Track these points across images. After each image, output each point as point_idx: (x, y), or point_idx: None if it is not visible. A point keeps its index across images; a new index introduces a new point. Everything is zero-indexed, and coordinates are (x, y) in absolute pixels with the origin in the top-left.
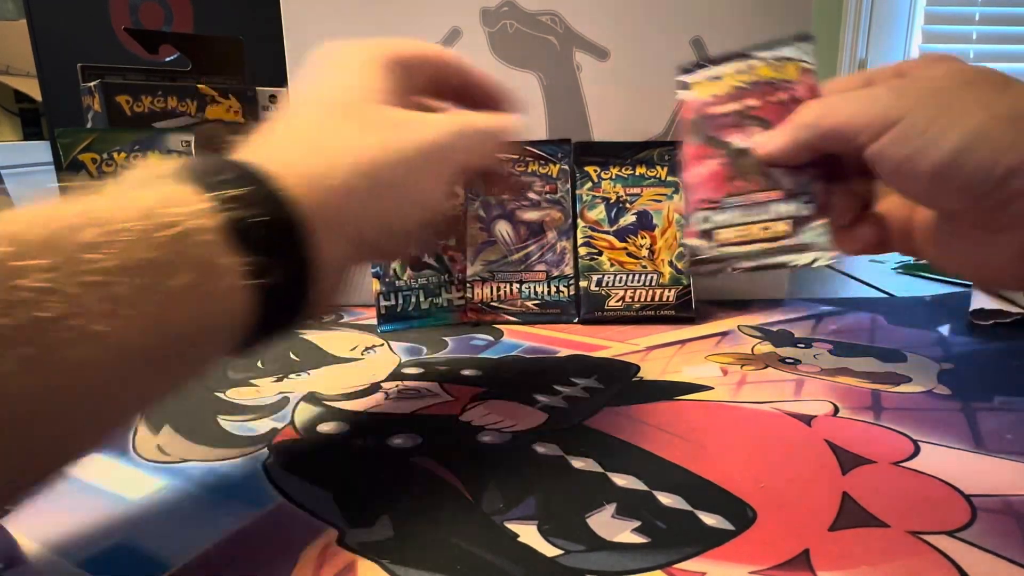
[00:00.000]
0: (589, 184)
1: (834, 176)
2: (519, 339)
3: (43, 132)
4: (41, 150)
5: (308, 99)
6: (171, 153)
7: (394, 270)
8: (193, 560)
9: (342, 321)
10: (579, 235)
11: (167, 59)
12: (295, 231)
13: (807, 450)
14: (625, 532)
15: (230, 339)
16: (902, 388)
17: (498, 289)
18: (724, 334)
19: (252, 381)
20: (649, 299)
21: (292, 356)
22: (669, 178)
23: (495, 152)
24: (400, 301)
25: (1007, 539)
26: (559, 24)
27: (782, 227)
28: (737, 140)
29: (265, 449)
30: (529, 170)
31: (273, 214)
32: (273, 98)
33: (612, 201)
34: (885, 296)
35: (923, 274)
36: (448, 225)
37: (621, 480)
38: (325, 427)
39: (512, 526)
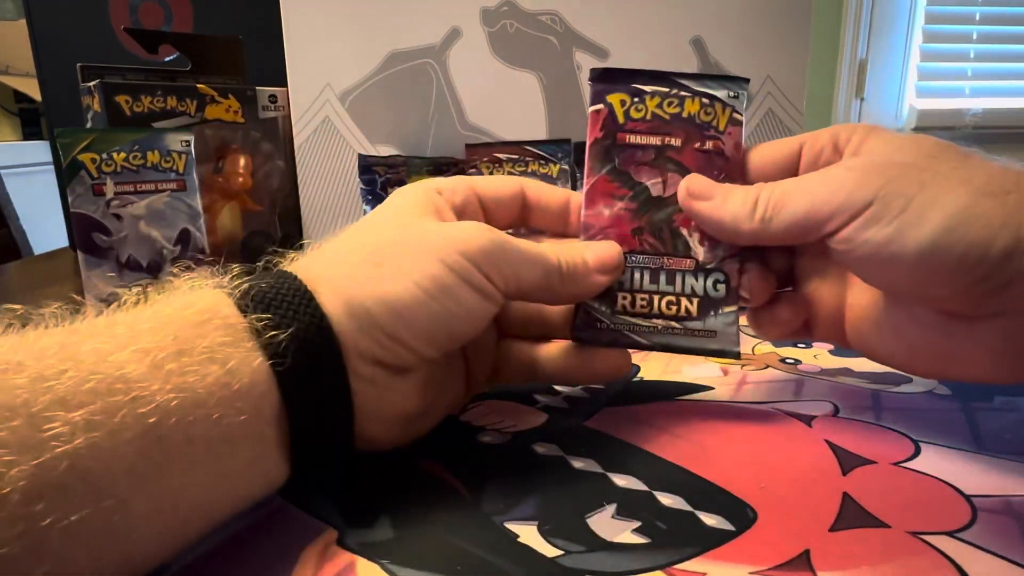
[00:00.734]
0: None
1: (749, 253)
2: None
3: (42, 132)
4: (40, 150)
5: (350, 240)
6: (171, 153)
7: None
8: (193, 560)
9: None
10: None
11: (167, 59)
12: (305, 302)
13: (807, 450)
14: (625, 532)
15: (256, 410)
16: (902, 388)
17: None
18: None
19: None
20: None
21: None
22: None
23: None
24: None
25: (1007, 539)
26: (559, 24)
27: (689, 306)
28: (651, 184)
29: None
30: (529, 170)
31: (284, 291)
32: (273, 98)
33: None
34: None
35: None
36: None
37: (621, 480)
38: None
39: (512, 526)
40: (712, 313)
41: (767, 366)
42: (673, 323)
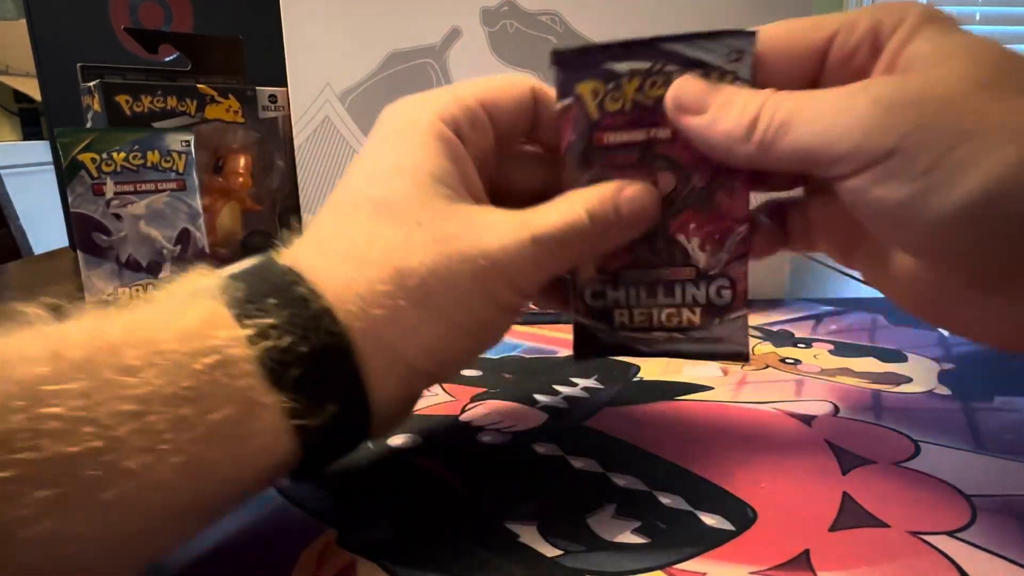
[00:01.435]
0: None
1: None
2: (519, 339)
3: (42, 132)
4: (40, 150)
5: (358, 194)
6: (171, 153)
7: None
8: (193, 560)
9: None
10: None
11: (167, 59)
12: (342, 365)
13: (807, 450)
14: (625, 532)
15: (271, 477)
16: (902, 388)
17: None
18: None
19: None
20: None
21: None
22: None
23: (580, 257)
24: None
25: (1007, 539)
26: (559, 24)
27: (692, 316)
28: None
29: None
30: None
31: (317, 346)
32: (273, 98)
33: None
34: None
35: None
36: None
37: (621, 480)
38: None
39: (512, 526)
40: (717, 320)
41: (767, 366)
42: (676, 334)
